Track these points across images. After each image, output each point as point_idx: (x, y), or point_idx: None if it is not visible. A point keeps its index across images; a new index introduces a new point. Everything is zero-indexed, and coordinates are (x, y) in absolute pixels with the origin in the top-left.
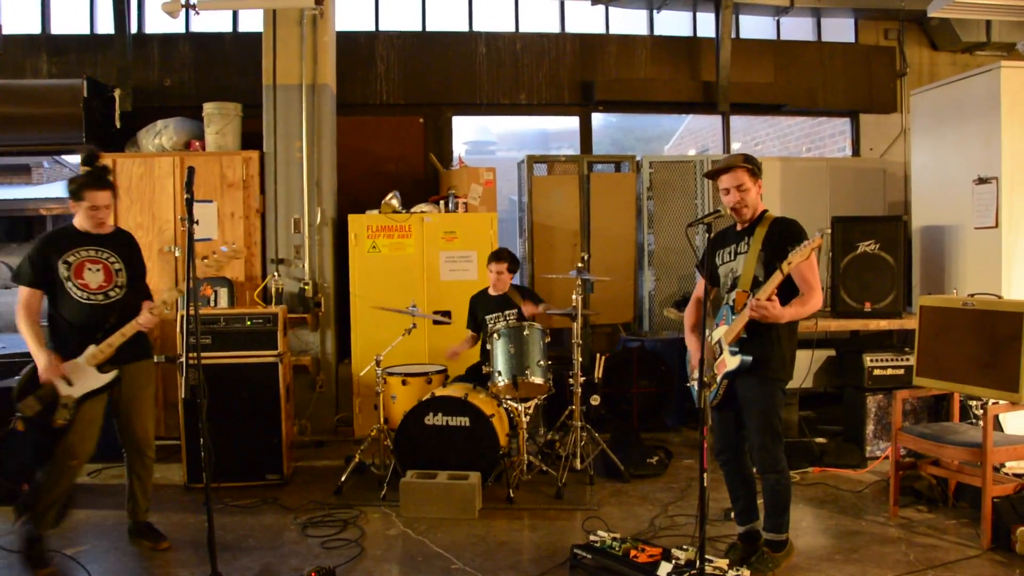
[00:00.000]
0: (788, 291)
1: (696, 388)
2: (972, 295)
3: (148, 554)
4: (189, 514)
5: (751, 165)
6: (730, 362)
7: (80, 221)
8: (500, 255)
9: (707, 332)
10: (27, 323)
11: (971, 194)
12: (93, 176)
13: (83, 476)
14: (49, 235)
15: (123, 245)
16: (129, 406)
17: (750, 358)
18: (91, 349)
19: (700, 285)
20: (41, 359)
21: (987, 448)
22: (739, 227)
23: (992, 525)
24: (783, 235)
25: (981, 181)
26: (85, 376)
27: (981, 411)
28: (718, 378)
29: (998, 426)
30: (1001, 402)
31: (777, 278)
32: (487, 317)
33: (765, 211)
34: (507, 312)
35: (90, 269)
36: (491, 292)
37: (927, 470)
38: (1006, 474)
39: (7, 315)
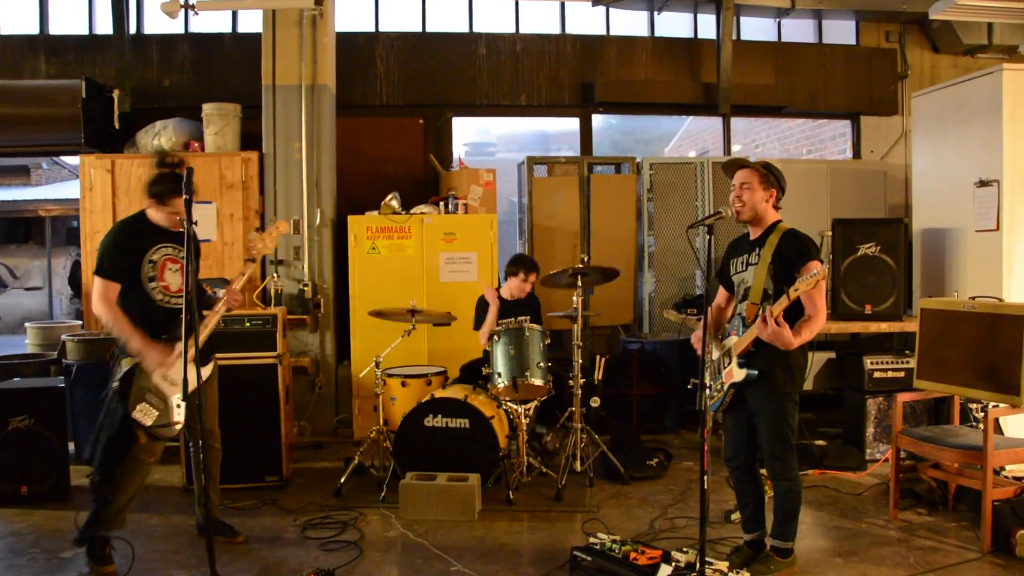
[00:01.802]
0: (794, 307)
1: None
2: (973, 298)
3: (147, 556)
4: (188, 515)
5: (765, 171)
6: (736, 374)
7: (156, 217)
8: (530, 265)
9: (717, 339)
10: (116, 312)
11: (972, 197)
12: (179, 181)
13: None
14: (128, 226)
15: (194, 242)
16: (203, 402)
17: (756, 372)
18: (179, 347)
19: (720, 294)
20: (152, 355)
21: (987, 451)
22: (752, 236)
23: (992, 528)
24: (792, 251)
25: (982, 184)
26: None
27: (981, 414)
28: (725, 387)
29: (998, 429)
30: (1001, 405)
31: (784, 302)
32: (501, 321)
33: (778, 222)
34: (519, 317)
35: (171, 269)
36: (505, 296)
37: (927, 473)
38: (1006, 477)
39: (6, 316)
